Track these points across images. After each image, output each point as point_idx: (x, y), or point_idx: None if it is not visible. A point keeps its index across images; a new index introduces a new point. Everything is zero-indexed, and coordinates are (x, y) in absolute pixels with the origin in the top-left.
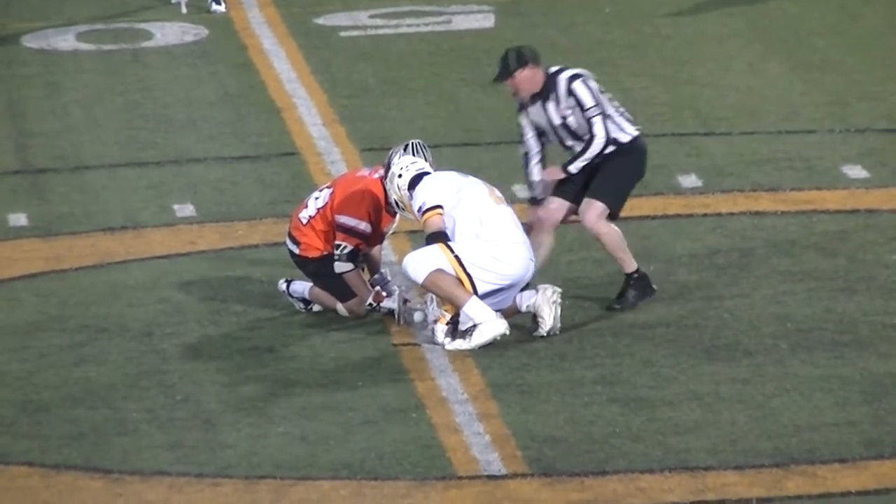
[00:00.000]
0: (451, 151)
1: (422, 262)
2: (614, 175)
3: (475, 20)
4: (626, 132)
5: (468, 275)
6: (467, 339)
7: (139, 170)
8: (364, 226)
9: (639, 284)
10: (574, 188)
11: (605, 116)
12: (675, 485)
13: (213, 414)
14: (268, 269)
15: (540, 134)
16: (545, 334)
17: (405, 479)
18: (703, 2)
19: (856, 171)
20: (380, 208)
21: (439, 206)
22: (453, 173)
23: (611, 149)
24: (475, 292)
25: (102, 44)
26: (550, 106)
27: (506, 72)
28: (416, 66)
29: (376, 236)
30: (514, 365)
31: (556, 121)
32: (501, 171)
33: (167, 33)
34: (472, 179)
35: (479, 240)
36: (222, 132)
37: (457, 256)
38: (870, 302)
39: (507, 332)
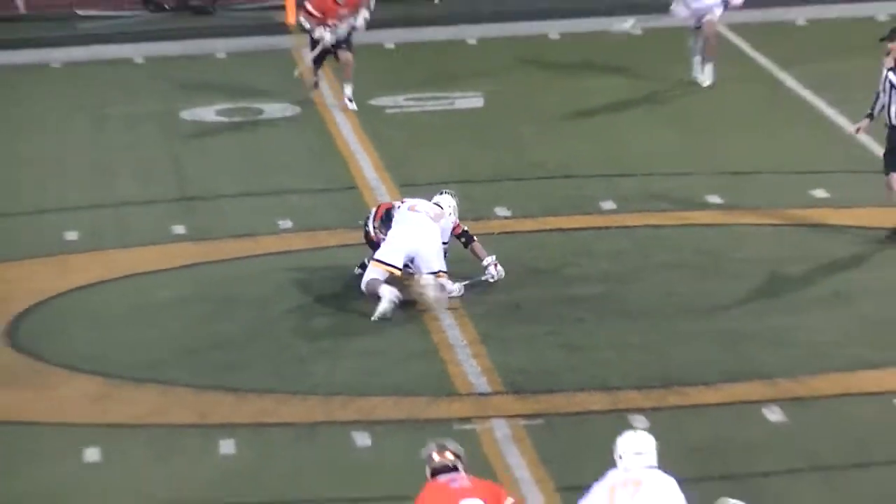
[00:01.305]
0: (455, 186)
1: (364, 278)
2: None
3: (470, 102)
4: None
5: (379, 260)
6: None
7: (255, 198)
8: None
9: None
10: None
11: None
12: (597, 399)
13: (305, 355)
14: (339, 261)
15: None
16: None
17: (426, 395)
18: (633, 97)
19: (716, 199)
20: None
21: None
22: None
23: None
24: (395, 267)
25: (232, 117)
26: (892, 76)
27: (894, 35)
28: (433, 132)
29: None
30: (496, 323)
31: (887, 85)
32: (489, 200)
33: (273, 110)
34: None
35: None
36: (310, 174)
37: (375, 258)
38: (723, 282)
39: (395, 299)
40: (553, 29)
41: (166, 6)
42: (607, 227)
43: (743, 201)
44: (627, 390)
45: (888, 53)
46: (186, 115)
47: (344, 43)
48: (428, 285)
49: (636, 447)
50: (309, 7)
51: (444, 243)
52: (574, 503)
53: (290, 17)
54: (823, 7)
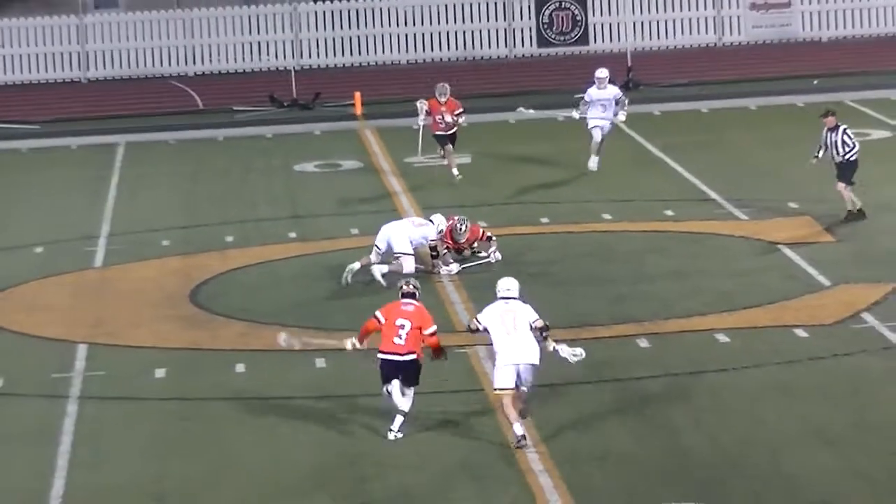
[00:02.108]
0: (454, 209)
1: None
2: (850, 171)
3: (463, 159)
4: (855, 154)
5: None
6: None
7: (337, 216)
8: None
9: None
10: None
11: (857, 152)
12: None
13: (366, 307)
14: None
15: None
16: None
17: (442, 333)
18: (560, 159)
19: (608, 216)
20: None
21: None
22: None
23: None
24: (377, 247)
25: (324, 168)
26: (831, 135)
27: (827, 114)
28: (440, 177)
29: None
30: (478, 289)
31: (830, 141)
32: (475, 216)
33: (348, 165)
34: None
35: None
36: (368, 201)
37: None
38: (612, 264)
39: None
40: (511, 117)
41: (285, 104)
42: (544, 233)
43: (624, 217)
44: (555, 329)
45: (825, 125)
46: (297, 167)
47: (452, 138)
48: (405, 276)
49: (507, 286)
50: (425, 106)
51: (430, 241)
52: None
53: (358, 110)
54: (671, 104)
